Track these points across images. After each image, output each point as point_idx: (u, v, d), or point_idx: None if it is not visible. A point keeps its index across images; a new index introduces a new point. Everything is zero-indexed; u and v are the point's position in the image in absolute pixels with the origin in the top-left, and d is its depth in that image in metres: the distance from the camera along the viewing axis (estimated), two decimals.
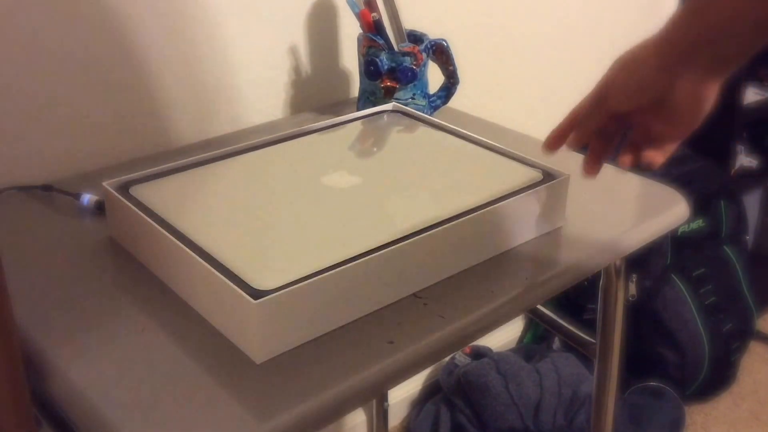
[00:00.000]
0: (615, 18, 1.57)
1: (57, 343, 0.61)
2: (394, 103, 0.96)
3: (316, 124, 0.88)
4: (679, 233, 1.59)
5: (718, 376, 1.64)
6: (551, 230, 0.77)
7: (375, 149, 0.85)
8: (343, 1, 1.08)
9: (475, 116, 1.08)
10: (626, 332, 0.94)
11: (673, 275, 1.58)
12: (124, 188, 0.73)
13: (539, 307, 1.08)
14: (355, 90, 1.17)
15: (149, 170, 0.76)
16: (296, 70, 1.09)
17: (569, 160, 0.82)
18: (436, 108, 1.04)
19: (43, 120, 0.89)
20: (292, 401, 0.55)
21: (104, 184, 0.73)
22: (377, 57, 0.99)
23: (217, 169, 0.78)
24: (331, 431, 1.45)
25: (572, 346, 1.08)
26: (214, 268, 0.60)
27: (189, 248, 0.63)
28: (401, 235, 0.65)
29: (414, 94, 1.01)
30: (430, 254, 0.67)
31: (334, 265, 0.61)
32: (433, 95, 1.04)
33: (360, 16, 0.99)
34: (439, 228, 0.67)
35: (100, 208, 0.80)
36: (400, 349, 0.60)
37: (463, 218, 0.68)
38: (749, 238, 1.82)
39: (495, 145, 0.83)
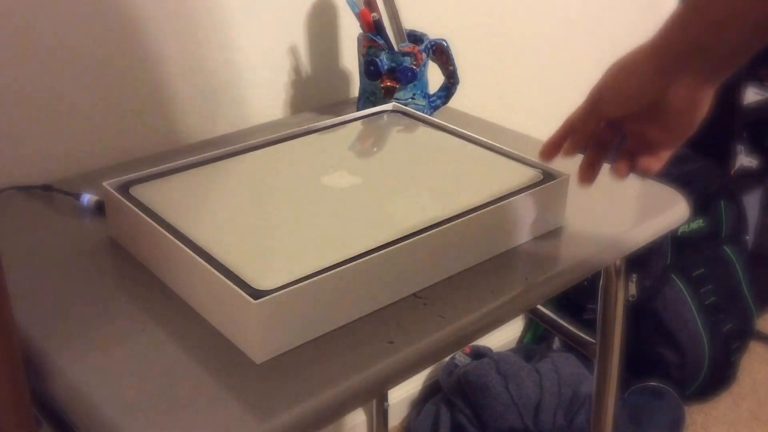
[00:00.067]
0: (615, 18, 1.57)
1: (57, 343, 0.61)
2: (394, 103, 0.96)
3: (316, 124, 0.88)
4: (679, 233, 1.59)
5: (718, 376, 1.63)
6: (551, 230, 0.77)
7: (375, 149, 0.85)
8: (343, 1, 1.08)
9: (475, 116, 1.08)
10: (626, 332, 0.94)
11: (673, 275, 1.57)
12: (124, 188, 0.73)
13: (539, 307, 1.08)
14: (355, 90, 1.17)
15: (149, 170, 0.76)
16: (296, 70, 1.09)
17: (569, 161, 0.82)
18: (436, 108, 1.04)
19: (43, 120, 0.89)
20: (292, 401, 0.55)
21: (104, 184, 0.73)
22: (377, 57, 0.99)
23: (217, 169, 0.78)
24: (331, 431, 1.45)
25: (572, 346, 1.08)
26: (214, 268, 0.60)
27: (189, 248, 0.63)
28: (401, 235, 0.65)
29: (414, 94, 1.01)
30: (430, 254, 0.67)
31: (334, 265, 0.61)
32: (433, 95, 1.04)
33: (360, 16, 0.99)
34: (439, 228, 0.67)
35: (100, 208, 0.80)
36: (400, 349, 0.60)
37: (463, 218, 0.68)
38: (749, 238, 1.82)
39: (495, 145, 0.83)
